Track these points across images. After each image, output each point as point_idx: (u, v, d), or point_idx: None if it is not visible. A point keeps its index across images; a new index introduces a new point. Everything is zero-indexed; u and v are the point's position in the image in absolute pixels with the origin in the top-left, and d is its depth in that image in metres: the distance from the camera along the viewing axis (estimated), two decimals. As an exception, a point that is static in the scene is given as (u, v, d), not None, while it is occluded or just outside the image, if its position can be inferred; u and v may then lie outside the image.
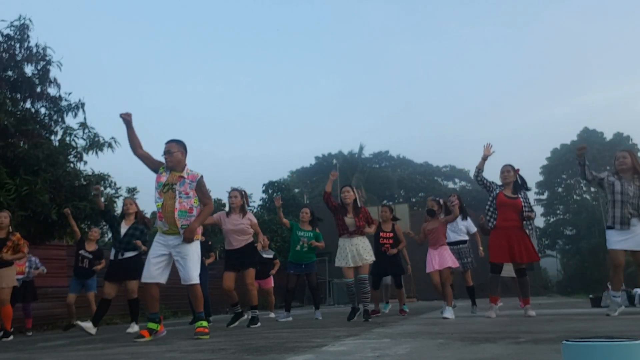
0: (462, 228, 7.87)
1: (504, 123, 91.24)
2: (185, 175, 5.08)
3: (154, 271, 4.98)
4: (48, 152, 8.95)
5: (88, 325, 6.85)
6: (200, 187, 5.12)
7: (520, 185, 6.45)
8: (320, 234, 8.22)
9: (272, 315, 9.26)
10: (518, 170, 6.48)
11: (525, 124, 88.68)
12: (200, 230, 5.17)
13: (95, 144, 9.85)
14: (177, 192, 5.00)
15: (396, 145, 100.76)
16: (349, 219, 6.68)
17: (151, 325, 5.09)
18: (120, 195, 10.57)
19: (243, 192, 7.09)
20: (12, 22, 9.87)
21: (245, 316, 6.99)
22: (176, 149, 5.11)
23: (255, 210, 24.57)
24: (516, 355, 2.66)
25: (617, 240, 5.71)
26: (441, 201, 6.86)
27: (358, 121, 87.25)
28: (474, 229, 8.05)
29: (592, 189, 44.10)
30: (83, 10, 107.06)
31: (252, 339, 4.45)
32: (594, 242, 31.58)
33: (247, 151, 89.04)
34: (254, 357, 3.10)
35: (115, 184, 10.47)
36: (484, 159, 6.39)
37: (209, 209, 5.15)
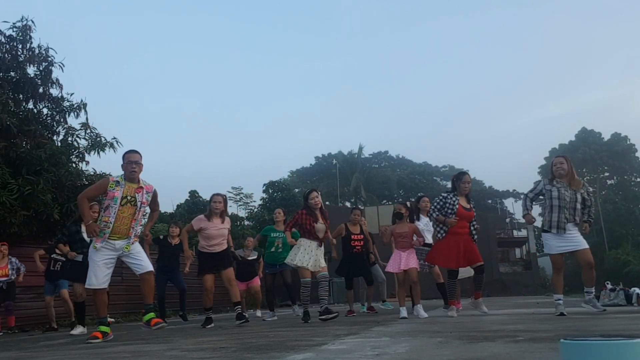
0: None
1: (502, 123, 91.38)
2: (143, 186, 5.35)
3: (104, 278, 5.19)
4: (50, 152, 8.97)
5: (78, 330, 7.12)
6: (155, 198, 5.54)
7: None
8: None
9: (259, 314, 9.34)
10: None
11: (524, 124, 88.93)
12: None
13: (97, 144, 9.88)
14: (138, 204, 5.27)
15: (395, 145, 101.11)
16: (320, 225, 6.75)
17: (104, 328, 5.26)
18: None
19: (225, 198, 7.27)
20: (14, 23, 9.91)
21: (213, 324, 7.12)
22: (141, 160, 5.33)
23: (255, 210, 24.62)
24: (514, 353, 2.69)
25: (555, 245, 5.86)
26: (408, 204, 7.06)
27: (358, 121, 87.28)
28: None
29: (590, 189, 44.10)
30: (83, 10, 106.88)
31: (253, 338, 4.48)
32: (591, 241, 31.57)
33: (247, 151, 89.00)
34: (254, 355, 3.13)
35: (116, 183, 10.50)
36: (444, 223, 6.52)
37: (156, 214, 5.81)
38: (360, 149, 44.83)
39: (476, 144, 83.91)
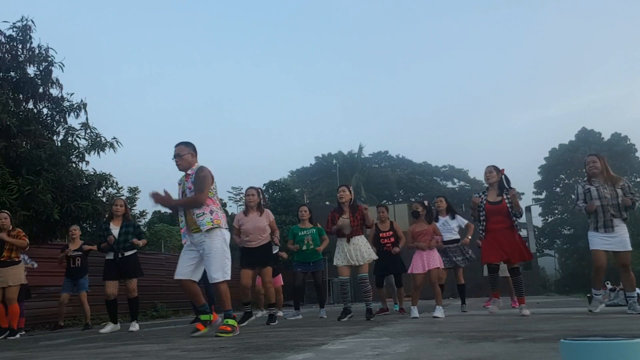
0: (454, 227, 7.94)
1: (503, 123, 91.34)
2: (190, 172, 5.17)
3: (185, 268, 5.09)
4: (50, 152, 8.98)
5: (108, 327, 6.98)
6: (196, 177, 5.06)
7: (505, 185, 6.52)
8: (323, 229, 8.08)
9: (281, 313, 9.24)
10: (503, 170, 6.55)
11: (524, 124, 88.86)
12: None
13: (97, 144, 9.88)
14: (187, 191, 5.15)
15: (395, 145, 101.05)
16: (345, 220, 6.67)
17: (203, 317, 5.23)
18: (122, 195, 10.58)
19: (260, 190, 7.09)
20: (14, 23, 9.92)
21: (254, 317, 6.98)
22: (185, 151, 5.19)
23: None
24: (514, 353, 2.69)
25: (601, 242, 5.80)
26: (426, 203, 6.90)
27: (358, 121, 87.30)
28: (465, 222, 8.14)
29: (628, 183, 44.07)
30: (83, 10, 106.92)
31: (253, 338, 4.48)
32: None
33: (247, 151, 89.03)
34: (254, 355, 3.13)
35: (117, 183, 10.51)
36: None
37: (196, 198, 4.99)
38: (360, 149, 44.93)
39: (476, 144, 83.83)
